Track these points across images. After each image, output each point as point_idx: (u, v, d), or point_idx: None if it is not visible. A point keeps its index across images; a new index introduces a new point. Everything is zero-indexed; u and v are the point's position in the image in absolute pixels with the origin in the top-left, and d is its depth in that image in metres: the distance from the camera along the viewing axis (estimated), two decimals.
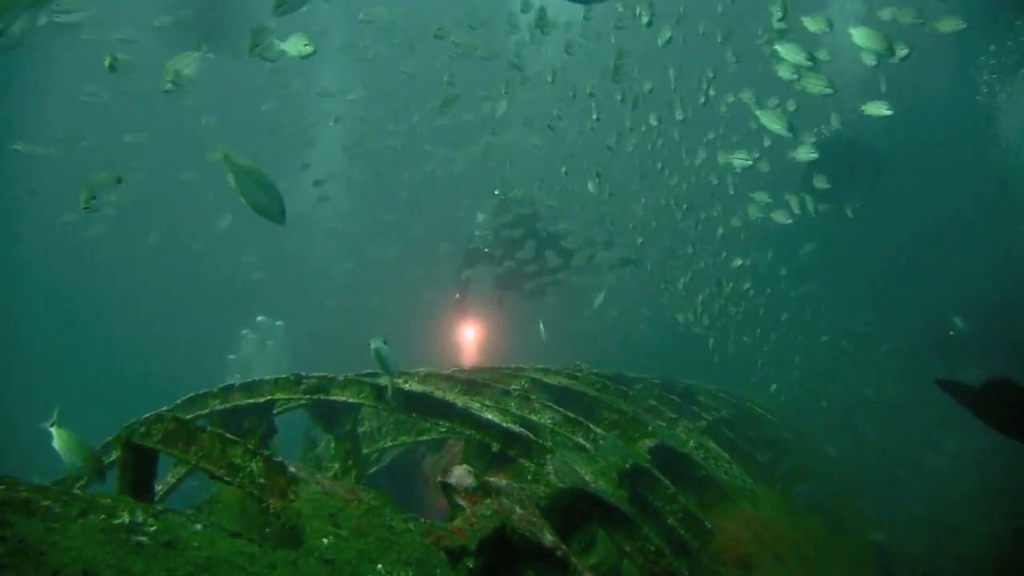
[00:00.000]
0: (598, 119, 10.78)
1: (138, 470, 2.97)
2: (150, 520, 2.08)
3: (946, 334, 14.39)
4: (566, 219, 14.23)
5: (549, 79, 11.98)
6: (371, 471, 7.83)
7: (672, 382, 9.13)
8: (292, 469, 2.77)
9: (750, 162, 8.66)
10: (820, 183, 10.64)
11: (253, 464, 2.78)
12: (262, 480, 2.76)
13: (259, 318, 22.50)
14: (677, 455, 5.55)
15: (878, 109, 8.50)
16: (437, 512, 7.01)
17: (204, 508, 5.70)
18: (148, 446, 2.85)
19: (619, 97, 10.29)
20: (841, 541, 5.54)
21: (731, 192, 12.48)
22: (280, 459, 2.80)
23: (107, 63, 6.54)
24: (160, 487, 5.58)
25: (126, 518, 2.02)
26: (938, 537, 8.45)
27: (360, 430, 6.77)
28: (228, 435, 2.86)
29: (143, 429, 2.86)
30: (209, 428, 4.92)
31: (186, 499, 5.89)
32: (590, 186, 12.30)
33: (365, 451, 6.70)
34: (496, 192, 14.16)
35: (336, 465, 5.81)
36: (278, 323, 22.74)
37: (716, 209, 14.97)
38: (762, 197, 10.07)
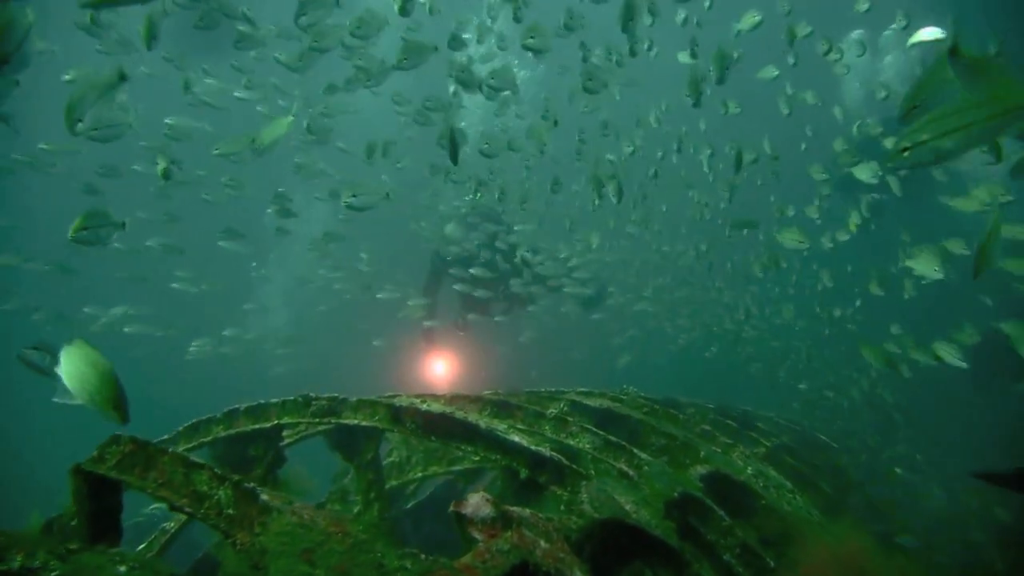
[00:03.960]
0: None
1: (96, 503, 2.56)
2: (53, 563, 1.65)
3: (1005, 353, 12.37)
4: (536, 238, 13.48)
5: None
6: (409, 505, 7.37)
7: (728, 407, 8.49)
8: (264, 497, 2.33)
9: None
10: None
11: (221, 492, 2.35)
12: (231, 511, 2.32)
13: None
14: (733, 483, 4.95)
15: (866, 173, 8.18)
16: None
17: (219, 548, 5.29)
18: (101, 473, 2.44)
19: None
20: None
21: None
22: (251, 486, 2.35)
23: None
24: (172, 524, 5.21)
25: (16, 562, 1.59)
26: None
27: (389, 460, 6.34)
28: (193, 458, 2.43)
29: (95, 453, 2.46)
30: (212, 458, 4.56)
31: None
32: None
33: (395, 483, 6.24)
34: (467, 197, 13.45)
35: (359, 498, 5.37)
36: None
37: None
38: None
